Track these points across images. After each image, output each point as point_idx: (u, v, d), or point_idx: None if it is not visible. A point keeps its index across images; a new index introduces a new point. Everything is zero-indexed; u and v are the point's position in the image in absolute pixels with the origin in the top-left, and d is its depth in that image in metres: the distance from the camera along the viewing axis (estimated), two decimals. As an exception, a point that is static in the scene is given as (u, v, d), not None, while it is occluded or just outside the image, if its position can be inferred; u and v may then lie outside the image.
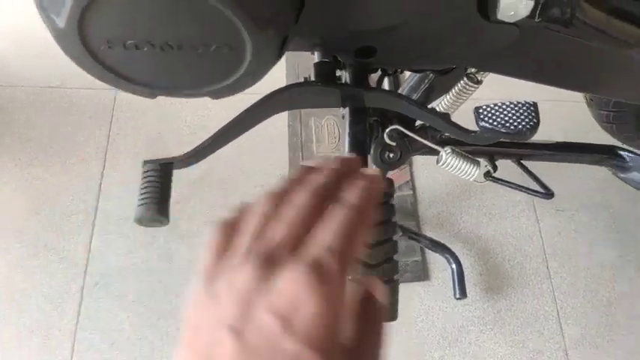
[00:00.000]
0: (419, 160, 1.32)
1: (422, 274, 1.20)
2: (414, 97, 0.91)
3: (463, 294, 1.12)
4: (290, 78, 1.35)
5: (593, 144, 0.79)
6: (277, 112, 0.66)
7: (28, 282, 1.11)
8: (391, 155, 0.75)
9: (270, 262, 0.24)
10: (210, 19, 0.45)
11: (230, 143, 1.38)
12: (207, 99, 0.55)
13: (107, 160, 1.24)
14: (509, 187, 0.79)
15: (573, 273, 1.25)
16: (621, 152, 0.78)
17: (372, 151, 0.75)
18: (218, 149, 0.65)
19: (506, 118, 0.61)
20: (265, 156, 1.28)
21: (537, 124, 0.59)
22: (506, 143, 0.79)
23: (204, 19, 0.45)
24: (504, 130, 0.60)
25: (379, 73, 0.77)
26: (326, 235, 0.25)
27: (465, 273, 1.21)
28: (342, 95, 0.67)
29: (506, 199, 1.31)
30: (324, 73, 0.64)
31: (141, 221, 0.60)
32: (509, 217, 1.29)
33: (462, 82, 0.79)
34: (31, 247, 1.14)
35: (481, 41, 0.62)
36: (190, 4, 0.43)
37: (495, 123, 0.60)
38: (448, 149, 0.73)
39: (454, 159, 0.72)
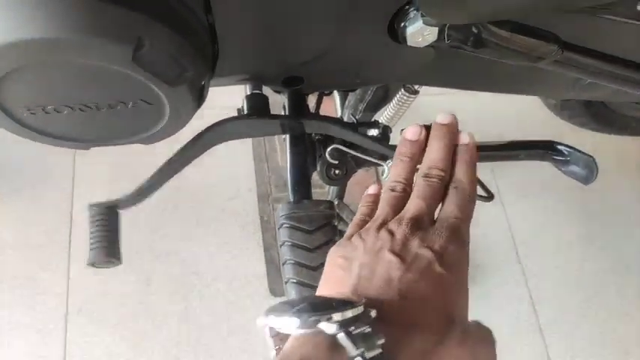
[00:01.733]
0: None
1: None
2: (361, 107, 0.93)
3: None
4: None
5: (532, 140, 0.81)
6: (218, 144, 0.68)
7: (11, 316, 1.14)
8: (337, 172, 0.77)
9: (419, 225, 0.37)
10: (120, 81, 0.46)
11: (195, 160, 1.39)
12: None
13: (75, 187, 1.26)
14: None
15: (542, 255, 1.28)
16: (560, 147, 0.80)
17: (318, 169, 0.78)
18: (161, 186, 0.67)
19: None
20: (231, 170, 1.31)
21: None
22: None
23: (114, 82, 0.47)
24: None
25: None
26: (453, 207, 0.39)
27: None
28: (280, 124, 0.69)
29: (473, 189, 1.34)
30: (256, 105, 0.66)
31: (94, 264, 0.63)
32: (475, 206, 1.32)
33: (399, 93, 0.81)
34: (10, 280, 1.17)
35: (400, 61, 0.64)
36: (97, 70, 0.45)
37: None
38: (390, 162, 0.75)
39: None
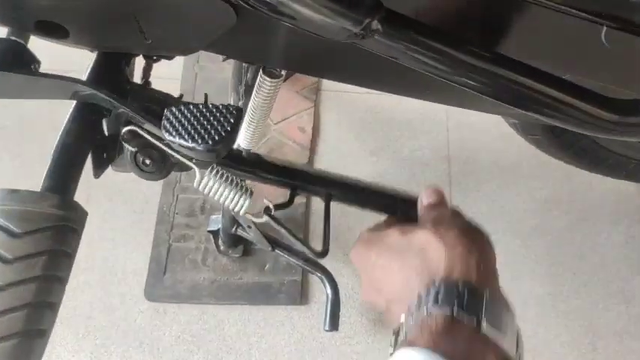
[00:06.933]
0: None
1: (299, 297, 1.04)
2: (241, 90, 0.75)
3: (334, 326, 0.94)
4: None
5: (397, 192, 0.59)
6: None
7: None
8: (147, 161, 0.58)
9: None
10: None
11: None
12: None
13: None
14: (286, 233, 0.61)
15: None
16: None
17: (127, 157, 0.59)
18: None
19: (197, 128, 0.44)
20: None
21: (229, 135, 0.43)
22: (309, 176, 0.60)
23: None
24: (192, 145, 0.44)
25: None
26: None
27: (349, 300, 1.05)
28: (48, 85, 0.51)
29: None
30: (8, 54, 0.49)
31: None
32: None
33: (258, 77, 0.62)
34: None
35: (198, 21, 0.45)
36: None
37: (182, 134, 0.44)
38: (209, 171, 0.55)
39: (214, 181, 0.55)
